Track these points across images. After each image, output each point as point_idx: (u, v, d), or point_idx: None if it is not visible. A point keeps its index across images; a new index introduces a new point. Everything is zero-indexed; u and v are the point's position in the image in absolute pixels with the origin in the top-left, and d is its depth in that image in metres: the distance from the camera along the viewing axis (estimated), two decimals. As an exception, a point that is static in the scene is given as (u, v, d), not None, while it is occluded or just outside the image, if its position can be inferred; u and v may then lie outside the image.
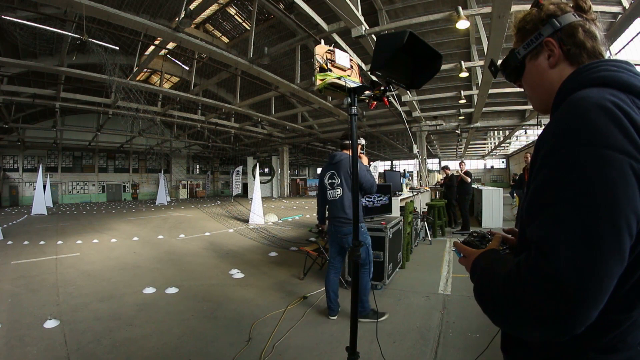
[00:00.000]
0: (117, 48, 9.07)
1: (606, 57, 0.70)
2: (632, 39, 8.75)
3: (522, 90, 0.84)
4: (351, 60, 1.62)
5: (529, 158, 6.28)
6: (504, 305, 0.57)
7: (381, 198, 4.38)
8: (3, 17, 7.74)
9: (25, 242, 7.25)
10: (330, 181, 3.03)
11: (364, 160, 3.13)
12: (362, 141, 3.18)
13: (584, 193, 0.51)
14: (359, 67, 2.38)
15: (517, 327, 0.57)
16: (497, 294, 0.58)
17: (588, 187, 0.51)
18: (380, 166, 18.07)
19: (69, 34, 8.00)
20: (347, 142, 3.09)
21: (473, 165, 42.70)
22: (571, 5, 0.72)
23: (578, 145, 0.53)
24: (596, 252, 0.49)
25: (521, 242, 0.71)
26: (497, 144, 28.92)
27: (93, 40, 8.16)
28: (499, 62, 0.85)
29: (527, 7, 0.79)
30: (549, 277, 0.50)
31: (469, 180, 7.62)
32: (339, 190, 2.99)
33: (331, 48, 1.56)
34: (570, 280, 0.48)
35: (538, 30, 0.72)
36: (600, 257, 0.49)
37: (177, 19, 7.94)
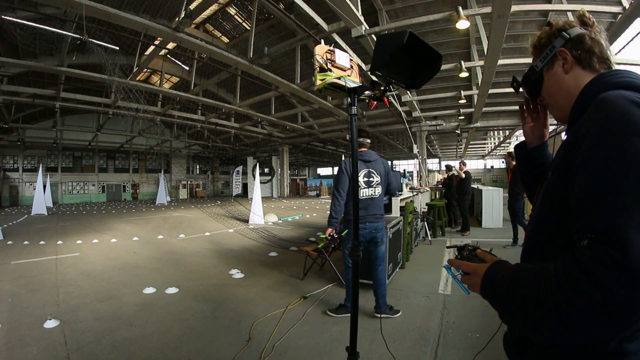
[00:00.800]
0: (117, 48, 9.07)
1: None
2: (632, 39, 8.75)
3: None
4: (351, 60, 1.61)
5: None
6: (564, 311, 0.53)
7: (381, 198, 4.38)
8: (3, 17, 7.73)
9: (25, 242, 7.25)
10: (367, 179, 3.03)
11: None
12: (368, 140, 3.17)
13: None
14: (359, 67, 2.38)
15: (582, 330, 0.53)
16: (552, 301, 0.54)
17: None
18: (380, 166, 18.03)
19: (69, 34, 8.00)
20: (363, 140, 3.11)
21: (473, 165, 42.67)
22: (577, 22, 0.81)
23: (627, 135, 0.56)
24: None
25: (551, 238, 0.71)
26: (497, 144, 28.90)
27: (93, 40, 8.15)
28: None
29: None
30: (628, 268, 0.49)
31: (469, 177, 7.60)
32: (379, 188, 3.04)
33: (331, 48, 1.56)
34: None
35: (551, 43, 0.81)
36: None
37: (177, 19, 7.94)
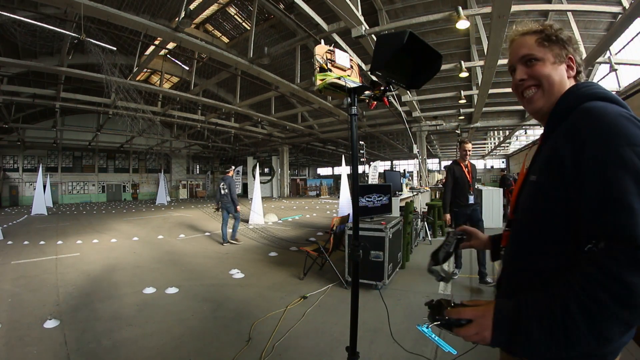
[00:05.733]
0: (115, 48, 9.05)
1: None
2: (632, 39, 8.75)
3: None
4: (351, 60, 1.61)
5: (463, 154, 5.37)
6: (603, 312, 0.57)
7: (381, 198, 4.38)
8: (2, 13, 7.67)
9: (25, 242, 7.25)
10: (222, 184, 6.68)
11: None
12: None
13: None
14: (359, 67, 2.38)
15: (619, 326, 0.58)
16: (589, 307, 0.57)
17: None
18: (380, 166, 18.04)
19: (67, 32, 7.97)
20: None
21: (473, 165, 42.57)
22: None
23: (624, 145, 0.63)
24: None
25: (541, 236, 0.76)
26: (497, 144, 28.89)
27: (90, 40, 8.11)
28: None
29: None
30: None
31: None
32: (227, 190, 6.70)
33: (331, 48, 1.56)
34: None
35: (565, 48, 0.87)
36: None
37: (177, 19, 7.94)
